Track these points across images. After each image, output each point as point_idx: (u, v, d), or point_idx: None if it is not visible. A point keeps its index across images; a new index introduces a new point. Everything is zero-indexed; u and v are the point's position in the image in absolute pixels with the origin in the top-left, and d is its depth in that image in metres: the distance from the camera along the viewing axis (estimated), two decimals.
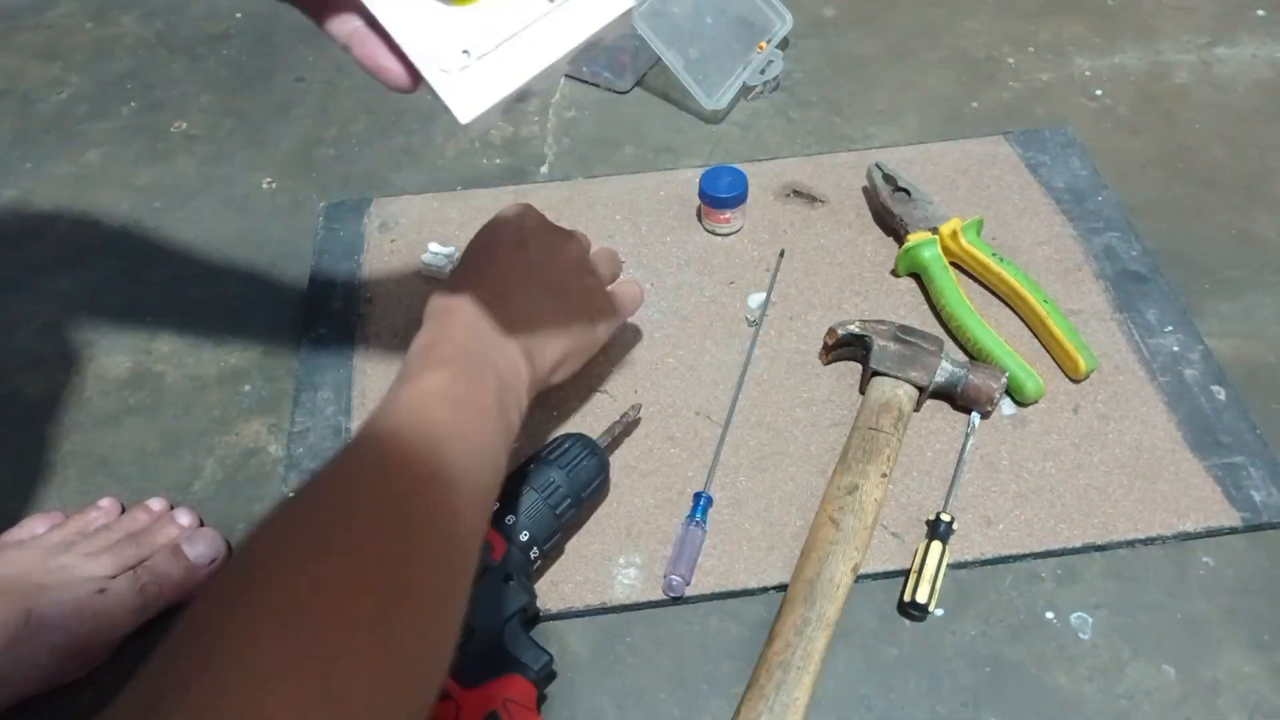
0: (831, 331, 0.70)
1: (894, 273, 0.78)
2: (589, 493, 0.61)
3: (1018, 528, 0.62)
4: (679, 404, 0.70)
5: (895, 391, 0.66)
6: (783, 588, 0.60)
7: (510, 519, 0.57)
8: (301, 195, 0.89)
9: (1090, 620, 0.59)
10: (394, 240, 0.83)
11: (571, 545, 0.62)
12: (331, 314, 0.77)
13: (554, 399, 0.70)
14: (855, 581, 0.59)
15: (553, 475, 0.59)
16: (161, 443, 0.70)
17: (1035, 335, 0.73)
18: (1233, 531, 0.62)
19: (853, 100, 0.96)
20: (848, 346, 0.71)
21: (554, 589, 0.60)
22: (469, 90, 0.41)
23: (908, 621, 0.59)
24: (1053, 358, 0.71)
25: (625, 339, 0.73)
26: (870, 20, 1.05)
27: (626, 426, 0.66)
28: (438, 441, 0.45)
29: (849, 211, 0.83)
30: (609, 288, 0.66)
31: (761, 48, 0.93)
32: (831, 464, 0.65)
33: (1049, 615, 0.59)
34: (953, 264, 0.75)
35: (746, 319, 0.75)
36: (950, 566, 0.60)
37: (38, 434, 0.71)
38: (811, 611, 0.56)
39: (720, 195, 0.78)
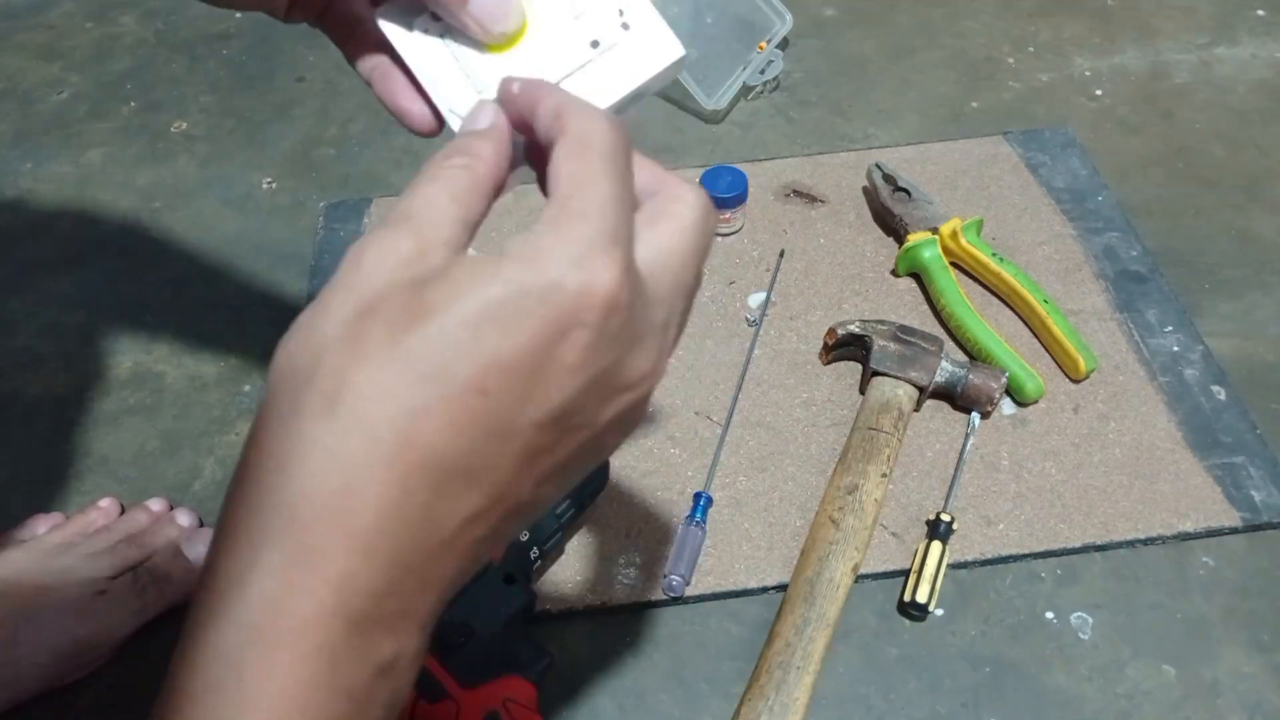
0: (831, 331, 0.70)
1: (894, 273, 0.78)
2: (589, 493, 0.61)
3: (1018, 528, 0.62)
4: (679, 404, 0.70)
5: (895, 391, 0.66)
6: (783, 588, 0.60)
7: None
8: (302, 195, 0.89)
9: (1090, 620, 0.59)
10: None
11: (571, 545, 0.62)
12: None
13: None
14: (855, 581, 0.59)
15: None
16: (161, 443, 0.70)
17: (1035, 335, 0.73)
18: (1233, 531, 0.62)
19: (853, 100, 0.96)
20: (848, 346, 0.71)
21: (554, 589, 0.60)
22: None
23: (908, 621, 0.59)
24: (1053, 358, 0.71)
25: None
26: (870, 20, 1.05)
27: None
28: None
29: (849, 211, 0.83)
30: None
31: (761, 48, 0.93)
32: (831, 464, 0.65)
33: (1049, 615, 0.59)
34: (953, 264, 0.75)
35: (746, 319, 0.75)
36: (950, 566, 0.60)
37: (38, 434, 0.71)
38: (811, 611, 0.56)
39: (720, 195, 0.78)
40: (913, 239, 0.75)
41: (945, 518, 0.61)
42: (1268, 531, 0.62)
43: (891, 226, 0.80)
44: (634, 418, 0.31)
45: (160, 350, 0.77)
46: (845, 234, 0.81)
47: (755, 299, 0.77)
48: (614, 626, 0.60)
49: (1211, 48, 0.99)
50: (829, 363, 0.72)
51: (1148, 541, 0.62)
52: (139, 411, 0.72)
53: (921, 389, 0.67)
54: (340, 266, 0.29)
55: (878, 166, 0.81)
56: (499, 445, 0.26)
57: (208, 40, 1.07)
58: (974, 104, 0.95)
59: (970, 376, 0.66)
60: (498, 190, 0.31)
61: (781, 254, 0.79)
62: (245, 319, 0.78)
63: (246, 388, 0.73)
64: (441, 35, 0.36)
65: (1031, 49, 1.00)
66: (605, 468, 0.62)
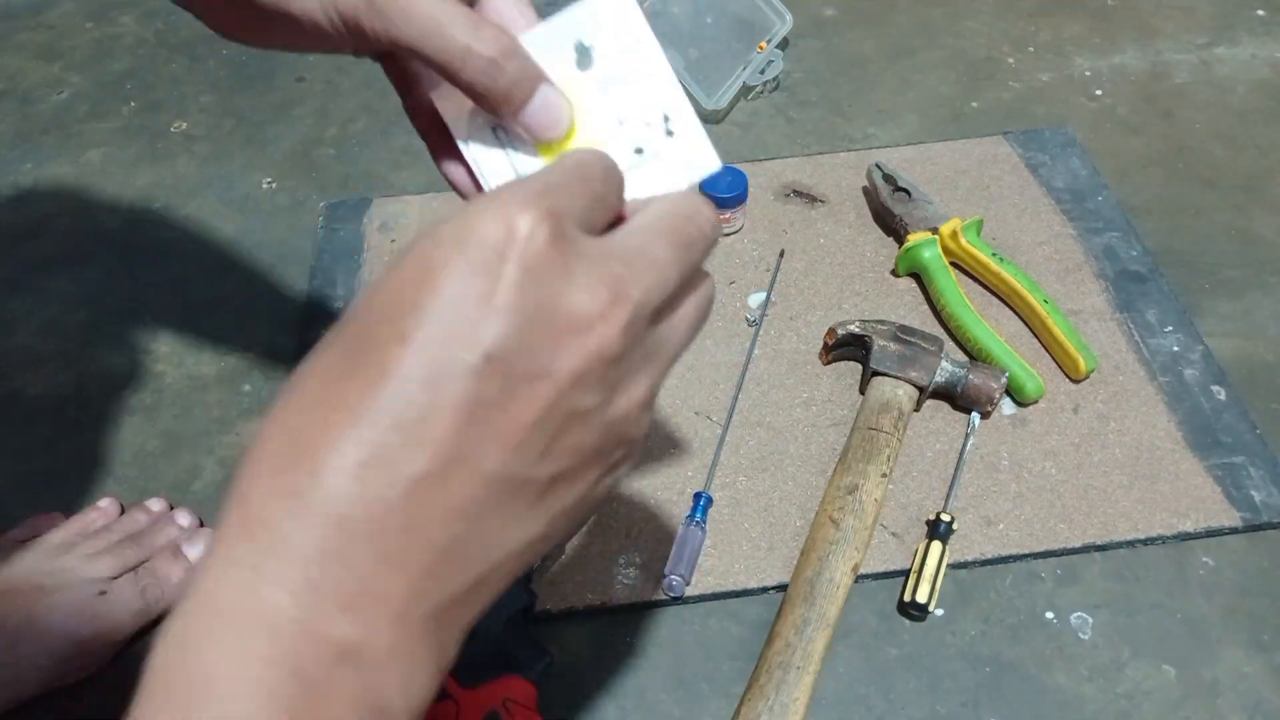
0: (831, 331, 0.70)
1: (894, 273, 0.78)
2: None
3: (1018, 528, 0.62)
4: (679, 404, 0.70)
5: (895, 391, 0.66)
6: (783, 588, 0.60)
7: None
8: (301, 195, 0.89)
9: (1090, 620, 0.59)
10: (394, 241, 0.83)
11: (571, 545, 0.62)
12: (332, 315, 0.77)
13: None
14: (855, 581, 0.59)
15: None
16: (161, 443, 0.70)
17: (1035, 335, 0.73)
18: (1233, 531, 0.62)
19: (853, 100, 0.96)
20: (848, 346, 0.71)
21: (554, 589, 0.60)
22: None
23: (908, 621, 0.59)
24: (1053, 358, 0.71)
25: None
26: (870, 20, 1.05)
27: None
28: None
29: (849, 211, 0.83)
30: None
31: (761, 47, 0.93)
32: (831, 464, 0.65)
33: (1049, 615, 0.59)
34: (953, 264, 0.75)
35: (746, 319, 0.75)
36: (950, 566, 0.60)
37: (38, 434, 0.71)
38: (811, 611, 0.56)
39: (720, 195, 0.78)
40: (913, 239, 0.75)
41: (945, 518, 0.61)
42: (1268, 531, 0.62)
43: (891, 226, 0.80)
44: (620, 377, 0.28)
45: (160, 350, 0.77)
46: (845, 234, 0.81)
47: (755, 299, 0.77)
48: (614, 626, 0.60)
49: (1211, 48, 0.99)
50: (829, 363, 0.72)
51: (1148, 541, 0.62)
52: (139, 411, 0.72)
53: (921, 389, 0.67)
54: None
55: (878, 166, 0.81)
56: (430, 393, 0.25)
57: (208, 40, 1.07)
58: (974, 104, 0.95)
59: (970, 376, 0.66)
60: None
61: (781, 254, 0.79)
62: (245, 319, 0.78)
63: (246, 388, 0.73)
64: (494, 128, 0.37)
65: (1031, 49, 1.00)
66: None
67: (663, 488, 0.65)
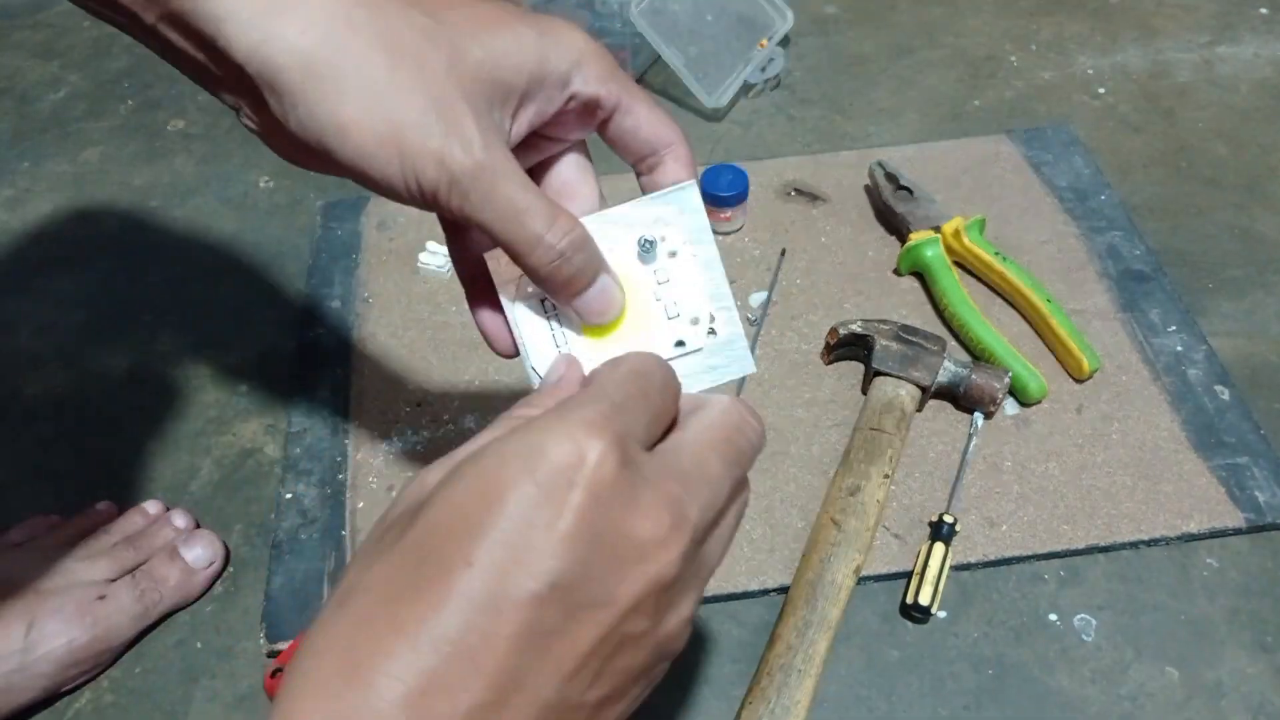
0: (833, 331, 0.70)
1: (896, 272, 0.77)
2: None
3: (1021, 529, 0.62)
4: None
5: (898, 392, 0.66)
6: (784, 589, 0.59)
7: None
8: (299, 194, 0.89)
9: (1093, 622, 0.59)
10: (392, 239, 0.83)
11: None
12: (329, 313, 0.77)
13: None
14: (857, 583, 0.59)
15: None
16: (159, 443, 0.70)
17: (1038, 335, 0.72)
18: (1236, 532, 0.62)
19: (854, 98, 0.95)
20: (850, 346, 0.70)
21: None
22: None
23: (910, 623, 0.59)
24: (1056, 357, 0.71)
25: None
26: (871, 18, 1.05)
27: None
28: None
29: (851, 210, 0.83)
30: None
31: (762, 45, 0.93)
32: (833, 465, 0.65)
33: (1052, 617, 0.59)
34: (955, 263, 0.75)
35: (747, 318, 0.75)
36: (953, 568, 0.60)
37: (37, 434, 0.71)
38: (813, 613, 0.56)
39: (721, 194, 0.78)
40: (915, 238, 0.75)
41: (948, 519, 0.60)
42: (1271, 532, 0.62)
43: (894, 225, 0.80)
44: (671, 599, 0.29)
45: (158, 350, 0.76)
46: (847, 233, 0.81)
47: (756, 298, 0.76)
48: None
49: (1214, 46, 0.99)
50: (831, 363, 0.72)
51: (1151, 543, 0.61)
52: (137, 411, 0.72)
53: (924, 389, 0.66)
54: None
55: (880, 165, 0.80)
56: (491, 620, 0.25)
57: None
58: (976, 102, 0.94)
59: (973, 376, 0.66)
60: None
61: (783, 253, 0.79)
62: (243, 318, 0.78)
63: (244, 388, 0.73)
64: (543, 299, 0.37)
65: (1033, 47, 1.00)
66: None
67: None
